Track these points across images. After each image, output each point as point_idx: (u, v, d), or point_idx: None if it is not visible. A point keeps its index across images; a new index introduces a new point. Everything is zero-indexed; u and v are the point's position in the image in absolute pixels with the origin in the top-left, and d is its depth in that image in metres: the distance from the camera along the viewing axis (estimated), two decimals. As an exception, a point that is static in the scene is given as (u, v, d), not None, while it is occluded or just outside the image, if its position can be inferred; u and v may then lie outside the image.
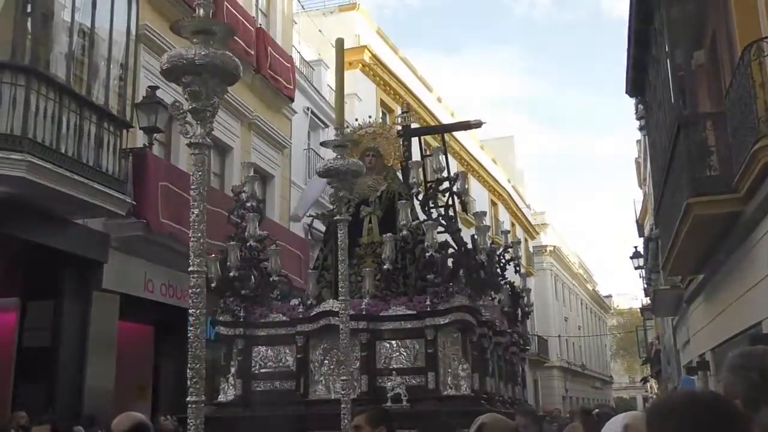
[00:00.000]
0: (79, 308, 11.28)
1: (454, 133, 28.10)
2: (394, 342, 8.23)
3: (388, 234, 8.50)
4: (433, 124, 26.23)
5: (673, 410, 1.78)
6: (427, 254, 8.07)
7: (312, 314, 8.32)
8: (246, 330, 8.55)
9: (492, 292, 10.57)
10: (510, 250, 11.76)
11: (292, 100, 18.24)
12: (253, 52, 16.17)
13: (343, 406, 4.23)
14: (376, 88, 23.64)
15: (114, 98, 10.89)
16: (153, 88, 12.01)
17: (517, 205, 37.18)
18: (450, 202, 8.68)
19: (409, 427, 7.63)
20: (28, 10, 9.47)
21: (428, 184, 8.77)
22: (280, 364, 8.54)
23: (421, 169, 8.67)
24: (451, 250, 8.35)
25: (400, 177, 10.04)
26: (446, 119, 28.02)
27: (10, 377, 10.82)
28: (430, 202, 8.66)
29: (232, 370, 8.53)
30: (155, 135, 12.24)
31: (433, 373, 7.91)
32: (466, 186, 8.78)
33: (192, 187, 2.82)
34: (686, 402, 1.78)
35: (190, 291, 2.76)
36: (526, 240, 39.15)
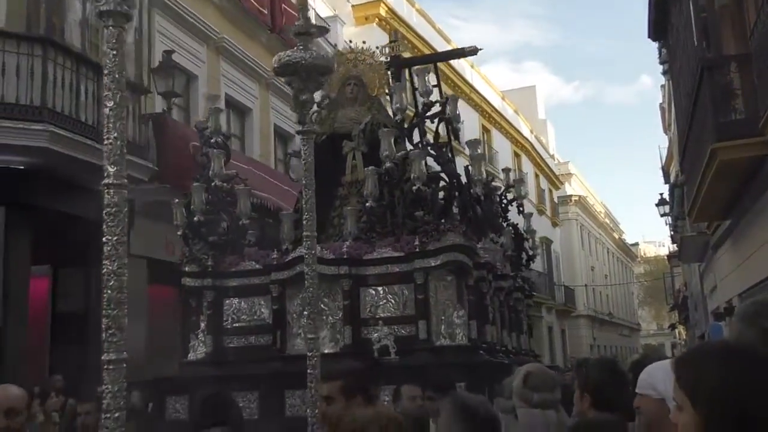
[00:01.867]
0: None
1: (475, 85, 27.36)
2: (380, 288, 7.31)
3: (371, 167, 7.53)
4: (451, 76, 25.25)
5: (708, 358, 1.66)
6: (415, 188, 7.09)
7: (287, 260, 7.39)
8: (215, 280, 7.64)
9: (493, 234, 9.63)
10: (512, 189, 10.81)
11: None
12: (267, 12, 15.44)
13: (309, 372, 3.29)
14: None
15: (130, 64, 10.75)
16: (168, 53, 11.77)
17: (540, 156, 36.10)
18: (443, 131, 7.67)
19: (399, 382, 6.74)
20: None
21: (415, 111, 7.73)
22: (255, 317, 7.65)
23: (405, 95, 7.64)
24: (442, 184, 7.37)
25: (389, 110, 9.00)
26: (466, 72, 26.97)
27: (46, 342, 10.85)
28: (417, 131, 7.64)
29: (202, 325, 7.65)
30: (173, 99, 11.94)
31: (424, 322, 7.00)
32: (458, 111, 7.66)
33: (105, 73, 1.86)
34: (711, 351, 1.68)
35: (104, 212, 1.83)
36: (550, 191, 38.15)
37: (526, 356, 9.33)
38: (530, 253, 10.66)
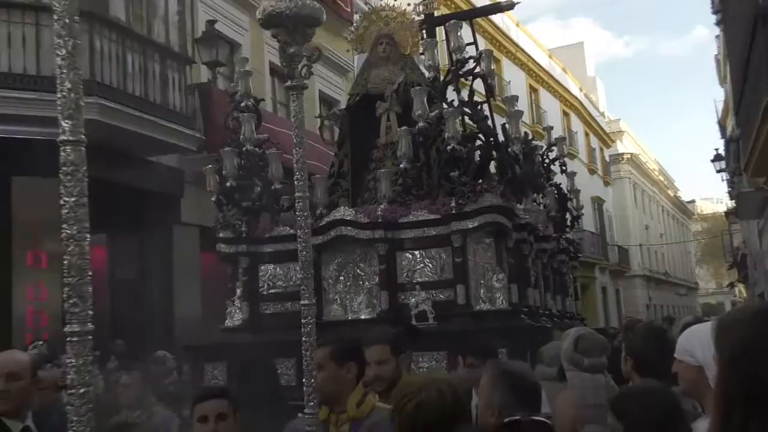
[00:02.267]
0: (162, 241, 11.58)
1: (521, 44, 26.72)
2: (416, 252, 7.10)
3: (404, 128, 7.28)
4: (497, 36, 24.71)
5: (738, 321, 1.62)
6: (449, 148, 6.84)
7: (321, 224, 7.23)
8: (250, 246, 7.53)
9: (534, 194, 9.34)
10: (554, 148, 10.47)
11: (351, 22, 16.89)
12: (310, -24, 15.07)
13: (304, 339, 3.12)
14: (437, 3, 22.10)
15: (174, 35, 10.99)
16: (212, 22, 11.82)
17: (590, 114, 35.14)
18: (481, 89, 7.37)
19: (436, 348, 6.58)
20: None
21: (449, 68, 7.44)
22: (291, 283, 7.52)
23: (438, 51, 7.35)
24: (479, 143, 7.10)
25: (422, 69, 8.71)
26: (512, 31, 26.38)
27: (106, 308, 10.95)
28: (452, 89, 7.36)
29: (238, 291, 7.57)
30: (218, 69, 12.07)
31: (462, 286, 6.79)
32: (493, 66, 7.35)
33: (55, 18, 1.68)
34: (753, 312, 1.61)
35: (60, 172, 1.73)
36: (601, 149, 37.18)
37: (572, 320, 9.07)
38: (575, 213, 10.33)
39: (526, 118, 22.88)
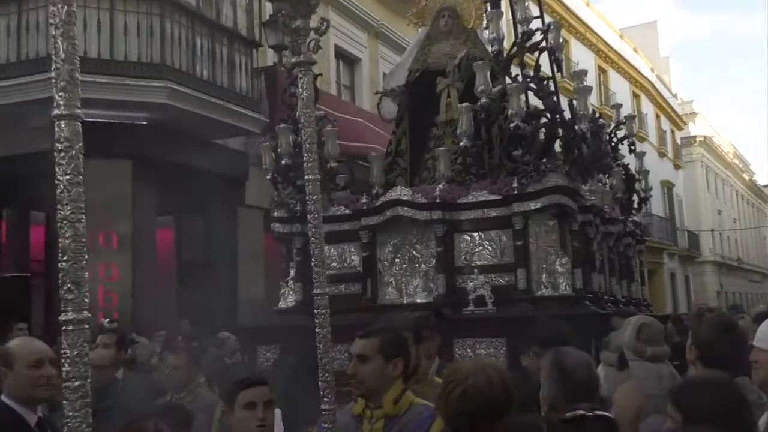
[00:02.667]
0: (227, 224, 11.77)
1: (591, 25, 26.08)
2: (475, 234, 6.81)
3: (465, 104, 6.97)
4: (566, 16, 24.06)
5: None
6: (512, 125, 6.50)
7: (377, 204, 6.99)
8: (304, 226, 7.32)
9: (601, 175, 8.94)
10: (623, 126, 10.02)
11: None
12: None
13: (317, 330, 2.89)
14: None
15: (242, 18, 11.13)
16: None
17: (662, 95, 34.14)
18: (545, 63, 6.99)
19: (496, 335, 6.31)
20: None
21: (513, 42, 7.08)
22: (345, 264, 7.33)
23: (502, 23, 7.00)
24: (543, 121, 6.74)
25: (485, 43, 8.35)
26: (581, 11, 25.71)
27: (174, 289, 11.36)
28: (517, 64, 7.00)
29: (292, 272, 7.40)
30: (284, 52, 11.75)
31: (523, 270, 6.47)
32: (561, 40, 6.95)
33: None
34: None
35: (55, 149, 1.60)
36: (672, 132, 36.35)
37: (638, 306, 8.67)
38: (642, 195, 9.88)
39: (594, 99, 22.83)
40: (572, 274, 6.53)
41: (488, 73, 6.74)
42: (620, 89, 28.68)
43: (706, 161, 39.73)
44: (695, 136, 38.89)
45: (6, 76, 9.16)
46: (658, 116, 34.02)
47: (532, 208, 6.44)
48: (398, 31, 15.63)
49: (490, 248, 6.75)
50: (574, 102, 6.86)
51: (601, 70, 27.87)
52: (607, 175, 9.34)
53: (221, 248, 11.65)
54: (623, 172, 9.65)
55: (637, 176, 9.80)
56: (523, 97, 6.82)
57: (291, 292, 7.32)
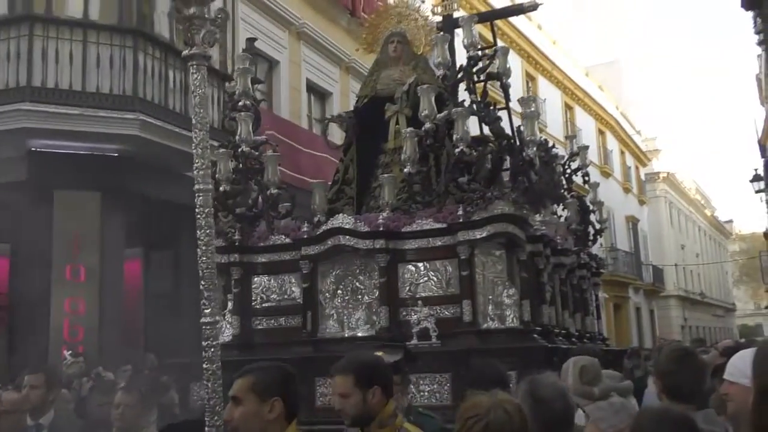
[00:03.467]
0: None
1: (556, 62, 26.64)
2: (420, 264, 6.52)
3: (409, 129, 6.74)
4: (533, 54, 24.76)
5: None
6: (458, 150, 6.27)
7: (318, 233, 6.69)
8: (242, 256, 7.00)
9: (554, 206, 8.75)
10: (576, 157, 9.87)
11: (353, 15, 16.61)
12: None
13: (205, 366, 2.60)
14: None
15: (215, 51, 11.12)
16: (251, 40, 12.40)
17: (626, 132, 34.94)
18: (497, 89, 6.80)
19: (440, 370, 5.99)
20: None
21: (460, 66, 6.88)
22: (285, 296, 6.98)
23: (448, 48, 6.81)
24: (490, 147, 6.51)
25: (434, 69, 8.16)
26: (548, 49, 26.23)
27: (140, 321, 11.10)
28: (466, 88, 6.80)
29: (230, 305, 7.03)
30: (256, 85, 12.23)
31: (469, 302, 6.19)
32: (508, 65, 6.74)
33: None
34: None
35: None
36: (637, 168, 37.15)
37: (592, 340, 8.43)
38: (598, 226, 9.69)
39: (560, 135, 23.57)
40: (520, 306, 6.27)
41: (433, 98, 6.53)
42: (586, 126, 29.15)
43: (669, 197, 40.32)
44: (659, 173, 39.46)
45: None
46: (622, 152, 34.63)
47: (478, 236, 6.18)
48: (329, 37, 15.64)
49: (435, 279, 6.46)
50: (522, 128, 6.63)
51: (568, 107, 28.31)
52: (561, 206, 9.17)
53: (189, 281, 11.39)
54: (578, 204, 9.48)
55: (592, 207, 9.62)
56: (472, 122, 6.61)
57: (228, 326, 6.94)
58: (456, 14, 9.10)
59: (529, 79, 25.05)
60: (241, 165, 7.04)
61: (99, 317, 9.41)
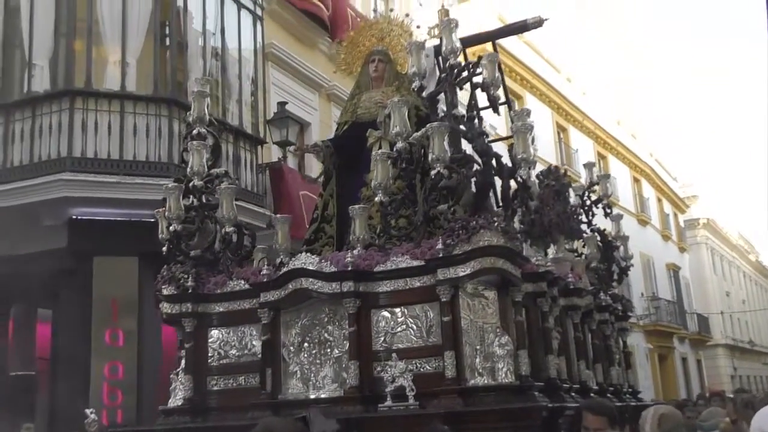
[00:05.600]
0: None
1: (583, 110, 26.53)
2: (397, 310, 5.49)
3: (380, 151, 5.79)
4: (563, 105, 24.72)
5: None
6: (434, 172, 5.28)
7: (277, 276, 5.71)
8: (197, 306, 6.05)
9: (566, 240, 7.68)
10: (596, 187, 8.84)
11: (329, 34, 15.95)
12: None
13: None
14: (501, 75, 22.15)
15: (247, 116, 11.35)
16: (282, 104, 12.27)
17: (662, 179, 34.12)
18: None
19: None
20: (167, 43, 10.01)
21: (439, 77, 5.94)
22: (246, 351, 5.99)
23: (427, 56, 5.88)
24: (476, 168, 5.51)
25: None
26: (578, 100, 26.12)
27: None
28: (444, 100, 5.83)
29: (182, 362, 6.06)
30: (288, 147, 12.20)
31: (452, 353, 5.12)
32: (497, 74, 5.75)
33: None
34: None
35: None
36: (675, 215, 36.25)
37: (618, 394, 7.25)
38: (623, 264, 8.57)
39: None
40: (516, 357, 5.18)
41: (406, 113, 5.57)
42: (621, 174, 28.56)
43: (710, 243, 39.29)
44: (698, 219, 38.49)
45: (21, 178, 9.34)
46: (659, 200, 34.01)
47: (461, 274, 5.14)
48: (306, 62, 14.84)
49: (414, 327, 5.42)
50: (515, 145, 5.58)
51: (601, 156, 27.74)
52: (581, 243, 8.12)
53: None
54: (599, 239, 8.41)
55: (614, 242, 8.52)
56: (455, 142, 5.64)
57: (180, 387, 5.95)
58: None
59: (560, 130, 24.80)
60: (195, 201, 6.13)
61: (137, 380, 9.49)
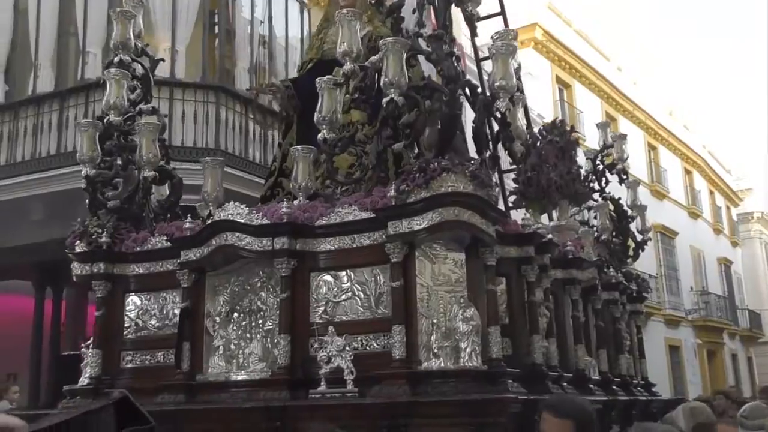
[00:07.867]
0: None
1: (639, 104, 25.78)
2: (342, 274, 4.41)
3: (325, 77, 4.71)
4: (613, 94, 24.07)
5: None
6: (386, 100, 4.18)
7: (198, 230, 4.66)
8: (111, 266, 5.02)
9: (571, 205, 6.56)
10: (611, 149, 7.73)
11: None
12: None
13: None
14: (550, 64, 21.83)
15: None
16: None
17: (715, 171, 32.75)
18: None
19: (358, 428, 3.83)
20: (215, 31, 10.17)
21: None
22: (167, 321, 4.95)
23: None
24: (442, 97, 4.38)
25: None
26: (629, 89, 25.24)
27: None
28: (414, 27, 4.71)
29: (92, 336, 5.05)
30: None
31: (401, 328, 4.03)
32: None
33: None
34: None
35: None
36: (728, 208, 34.73)
37: (624, 387, 6.12)
38: (639, 238, 7.43)
39: (644, 176, 22.52)
40: (488, 336, 4.08)
41: (357, 28, 4.45)
42: (672, 166, 27.63)
43: (765, 238, 37.68)
44: (752, 213, 36.87)
45: (75, 162, 8.94)
46: (712, 192, 32.52)
47: (416, 228, 4.04)
48: None
49: (362, 295, 4.34)
50: (493, 71, 4.44)
51: (651, 147, 26.74)
52: (584, 208, 6.99)
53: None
54: (611, 208, 7.27)
55: (629, 212, 7.37)
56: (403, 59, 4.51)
57: (89, 365, 4.95)
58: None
59: (610, 119, 23.66)
60: (114, 142, 5.10)
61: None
